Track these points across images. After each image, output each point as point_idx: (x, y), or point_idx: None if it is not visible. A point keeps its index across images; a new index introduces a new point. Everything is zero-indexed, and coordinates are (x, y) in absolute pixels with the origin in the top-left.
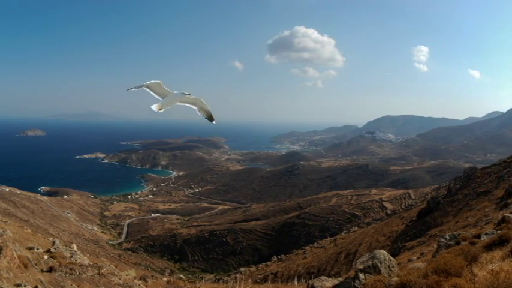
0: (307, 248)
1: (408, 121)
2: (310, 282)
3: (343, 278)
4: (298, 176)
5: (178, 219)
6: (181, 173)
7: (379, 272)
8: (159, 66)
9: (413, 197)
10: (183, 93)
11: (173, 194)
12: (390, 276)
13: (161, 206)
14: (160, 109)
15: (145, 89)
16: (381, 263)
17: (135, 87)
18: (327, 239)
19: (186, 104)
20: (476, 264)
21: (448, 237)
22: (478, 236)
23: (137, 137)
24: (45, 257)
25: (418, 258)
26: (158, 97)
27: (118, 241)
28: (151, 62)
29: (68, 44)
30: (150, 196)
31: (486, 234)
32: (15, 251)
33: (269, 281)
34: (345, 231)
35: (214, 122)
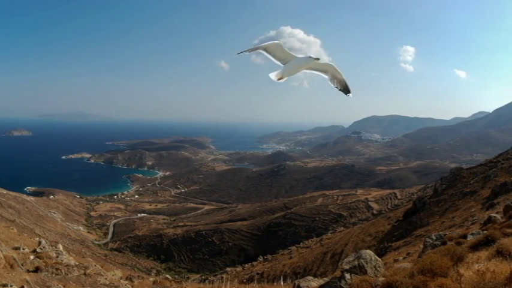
0: (293, 248)
1: (394, 121)
2: (296, 282)
3: (329, 278)
4: (284, 176)
5: (164, 219)
6: (167, 173)
7: (365, 272)
8: (145, 66)
9: (399, 197)
10: (310, 57)
11: (159, 194)
12: (376, 276)
13: (147, 206)
14: (281, 78)
15: (262, 52)
16: (367, 263)
17: (248, 50)
18: (313, 239)
19: (314, 72)
20: (463, 264)
21: (434, 237)
22: (464, 236)
23: (123, 137)
24: (31, 257)
25: (404, 258)
26: (278, 62)
27: (104, 241)
28: (138, 61)
29: (54, 44)
30: (136, 196)
31: (472, 234)
32: (1, 251)
33: (255, 281)
34: (331, 231)
35: (351, 95)
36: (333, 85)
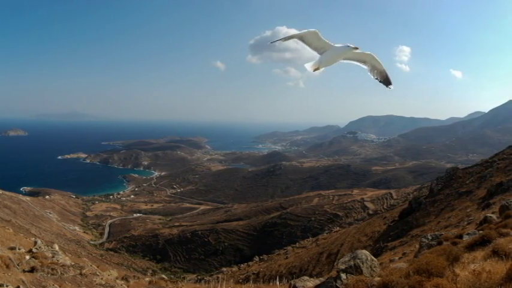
0: (289, 248)
1: (390, 121)
2: (292, 282)
3: (325, 278)
4: (280, 176)
5: (160, 219)
6: (163, 173)
7: (361, 272)
8: (141, 66)
9: (395, 197)
10: (349, 46)
11: (155, 194)
12: (372, 276)
13: (143, 206)
14: (317, 68)
15: (298, 41)
16: (362, 263)
17: (282, 39)
18: (308, 239)
19: (352, 62)
20: (458, 264)
21: (430, 237)
22: (460, 236)
23: (119, 137)
24: (27, 257)
25: (400, 258)
26: (314, 52)
27: (100, 241)
28: (134, 61)
29: (50, 44)
30: (132, 196)
31: (468, 234)
32: None
33: (251, 281)
34: (326, 231)
35: (391, 87)
36: (372, 76)
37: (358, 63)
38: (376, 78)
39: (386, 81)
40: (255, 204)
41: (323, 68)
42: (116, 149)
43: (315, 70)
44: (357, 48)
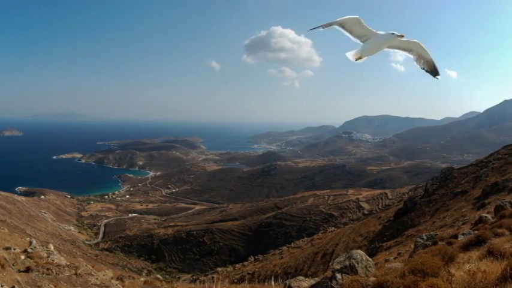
0: (284, 248)
1: (385, 121)
2: (287, 282)
3: (320, 278)
4: (275, 176)
5: (155, 219)
6: (158, 173)
7: (356, 272)
8: (136, 66)
9: (390, 197)
10: (393, 33)
11: (150, 194)
12: (367, 276)
13: (138, 206)
14: (360, 58)
15: (338, 28)
16: (358, 263)
17: (322, 26)
18: (304, 239)
19: (396, 50)
20: (453, 264)
21: (425, 237)
22: (455, 236)
23: (114, 137)
24: (22, 257)
25: (395, 258)
26: (356, 40)
27: (95, 241)
28: (129, 61)
29: (45, 44)
30: (127, 196)
31: (463, 234)
32: None
33: (246, 281)
34: (322, 231)
35: (439, 77)
36: (419, 66)
37: (403, 52)
38: (423, 68)
39: (433, 71)
40: (250, 204)
41: (365, 57)
42: (111, 149)
43: (357, 60)
44: (402, 36)
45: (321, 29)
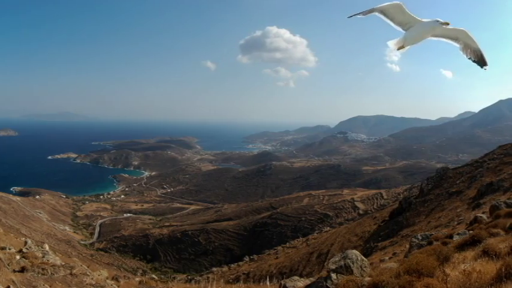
0: (279, 248)
1: (380, 121)
2: (283, 282)
3: (316, 278)
4: (270, 176)
5: (150, 219)
6: (153, 173)
7: (351, 272)
8: (132, 66)
9: (385, 197)
10: (438, 21)
11: (145, 194)
12: (362, 276)
13: (133, 206)
14: (402, 47)
15: (379, 15)
16: (353, 263)
17: (361, 13)
18: (299, 239)
19: (441, 39)
20: (449, 264)
21: (420, 237)
22: (450, 236)
23: (109, 137)
24: (17, 257)
25: (390, 258)
26: (398, 28)
27: (90, 241)
28: (125, 62)
29: (40, 43)
30: (122, 196)
31: (458, 234)
32: None
33: (241, 281)
34: (317, 231)
35: (487, 67)
36: (465, 55)
37: (448, 41)
38: (470, 58)
39: (481, 61)
40: (245, 204)
41: (408, 47)
42: (106, 149)
43: (399, 49)
44: (447, 24)
45: (360, 17)
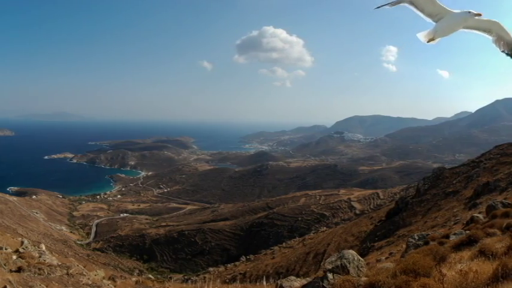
0: (276, 248)
1: (377, 121)
2: (279, 282)
3: (312, 278)
4: (267, 176)
5: (147, 219)
6: (150, 173)
7: (347, 272)
8: (128, 66)
9: (382, 197)
10: (470, 12)
11: (142, 194)
12: (359, 276)
13: (130, 206)
14: (432, 39)
15: (408, 5)
16: (349, 263)
17: (390, 4)
18: (295, 239)
19: (473, 31)
20: (445, 264)
21: (416, 237)
22: (447, 236)
23: (106, 137)
24: (14, 257)
25: (386, 258)
26: (428, 19)
27: (87, 241)
28: (121, 62)
29: (36, 43)
30: (119, 196)
31: (455, 234)
32: None
33: (238, 281)
34: (313, 231)
35: None
36: (498, 48)
37: (480, 33)
38: (503, 51)
39: None
40: (242, 204)
41: (439, 39)
42: (102, 149)
43: (429, 41)
44: (479, 15)
45: (388, 7)
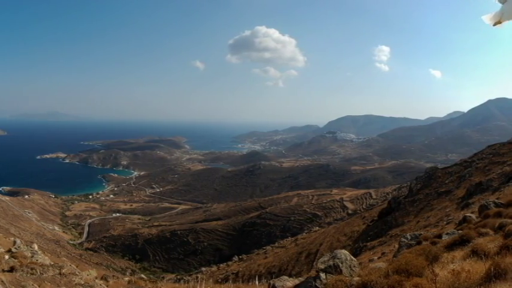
0: (268, 247)
1: (369, 121)
2: (272, 282)
3: (305, 278)
4: (259, 175)
5: (139, 219)
6: (142, 173)
7: (340, 272)
8: (120, 66)
9: (374, 196)
10: None
11: (134, 194)
12: (351, 276)
13: (122, 206)
14: (499, 22)
15: None
16: (342, 263)
17: None
18: (288, 239)
19: None
20: (438, 264)
21: (409, 237)
22: (439, 236)
23: (98, 137)
24: (6, 256)
25: (379, 258)
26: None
27: (79, 241)
28: (113, 61)
29: (29, 43)
30: (111, 196)
31: (447, 234)
32: None
33: (230, 281)
34: (306, 231)
35: None
36: None
37: None
38: None
39: None
40: (234, 204)
41: (506, 21)
42: (95, 149)
43: (495, 24)
44: None
45: None
